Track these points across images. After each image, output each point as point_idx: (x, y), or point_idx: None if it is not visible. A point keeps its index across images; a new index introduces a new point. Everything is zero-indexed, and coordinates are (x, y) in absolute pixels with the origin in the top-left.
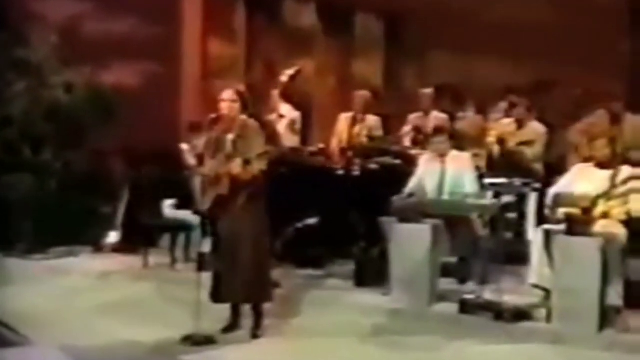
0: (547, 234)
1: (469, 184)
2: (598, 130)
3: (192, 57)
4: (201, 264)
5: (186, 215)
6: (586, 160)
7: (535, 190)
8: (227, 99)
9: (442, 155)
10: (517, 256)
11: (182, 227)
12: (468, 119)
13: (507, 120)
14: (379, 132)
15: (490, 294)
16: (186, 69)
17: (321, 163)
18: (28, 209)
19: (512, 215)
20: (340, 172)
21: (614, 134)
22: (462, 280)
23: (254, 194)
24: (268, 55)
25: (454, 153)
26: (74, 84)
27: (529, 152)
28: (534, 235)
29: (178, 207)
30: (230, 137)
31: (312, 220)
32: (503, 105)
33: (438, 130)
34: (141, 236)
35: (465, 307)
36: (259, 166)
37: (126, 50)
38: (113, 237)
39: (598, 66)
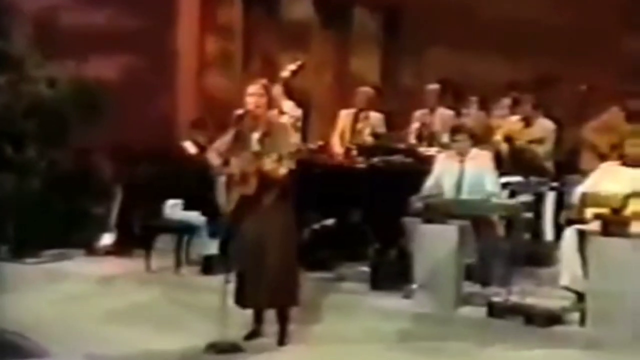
0: (580, 235)
1: (490, 184)
2: (627, 129)
3: (187, 52)
4: (207, 267)
5: (191, 216)
6: (603, 158)
7: (552, 189)
8: (254, 94)
9: (460, 154)
10: (535, 257)
11: (186, 228)
12: (472, 115)
13: (513, 118)
14: (382, 130)
15: (516, 297)
16: (181, 64)
17: (329, 161)
18: (11, 210)
19: (528, 215)
20: (348, 171)
21: None
22: (484, 283)
23: (281, 193)
24: (265, 50)
25: (474, 152)
26: (58, 78)
27: (540, 150)
28: (566, 235)
29: (185, 207)
30: (256, 134)
31: (329, 221)
32: (506, 101)
33: (457, 129)
34: (137, 238)
35: (494, 311)
36: (288, 164)
37: (119, 44)
38: (107, 238)
39: (600, 63)
